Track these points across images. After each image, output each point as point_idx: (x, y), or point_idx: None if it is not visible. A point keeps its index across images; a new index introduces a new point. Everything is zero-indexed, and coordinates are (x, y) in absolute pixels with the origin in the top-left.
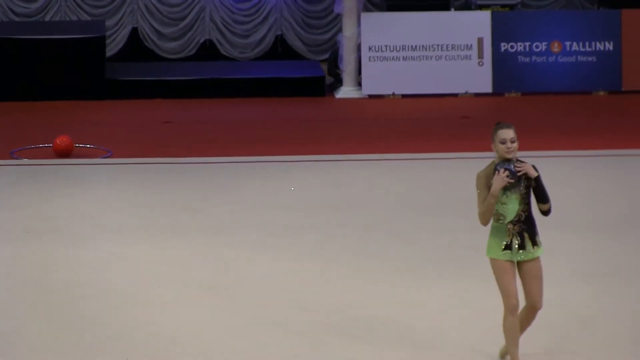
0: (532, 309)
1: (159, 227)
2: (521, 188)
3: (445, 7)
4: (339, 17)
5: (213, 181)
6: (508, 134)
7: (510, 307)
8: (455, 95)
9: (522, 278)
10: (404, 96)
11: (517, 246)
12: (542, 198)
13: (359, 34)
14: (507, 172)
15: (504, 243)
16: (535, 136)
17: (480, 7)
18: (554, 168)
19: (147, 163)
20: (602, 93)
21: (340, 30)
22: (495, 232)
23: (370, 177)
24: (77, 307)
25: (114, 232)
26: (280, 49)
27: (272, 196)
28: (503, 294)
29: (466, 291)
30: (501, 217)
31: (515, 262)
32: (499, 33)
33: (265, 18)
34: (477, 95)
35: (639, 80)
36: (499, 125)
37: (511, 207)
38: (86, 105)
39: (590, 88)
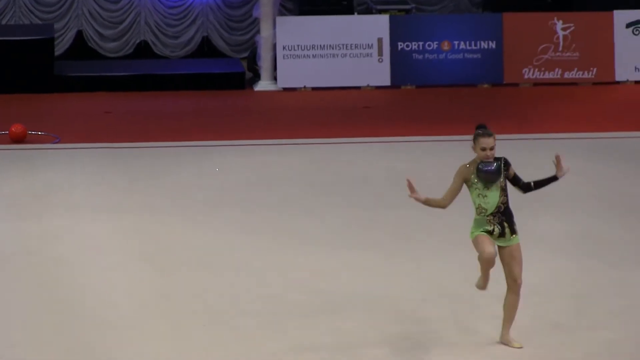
0: (513, 285)
1: (101, 205)
2: (501, 180)
3: (349, 11)
4: (257, 20)
5: (149, 164)
6: (489, 143)
7: (486, 261)
8: (358, 88)
9: (503, 260)
10: (314, 89)
11: (497, 233)
12: (518, 184)
13: (274, 35)
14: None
15: (488, 230)
16: (427, 123)
17: (380, 12)
18: (442, 152)
19: (91, 148)
20: (486, 85)
21: (258, 31)
22: (477, 223)
23: (284, 159)
24: (26, 274)
25: (62, 208)
26: (206, 48)
27: (200, 177)
28: (479, 249)
29: (367, 259)
30: (483, 211)
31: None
32: (396, 34)
33: (193, 21)
34: (377, 88)
35: (517, 74)
36: (483, 132)
37: (492, 200)
38: (38, 97)
39: (476, 81)
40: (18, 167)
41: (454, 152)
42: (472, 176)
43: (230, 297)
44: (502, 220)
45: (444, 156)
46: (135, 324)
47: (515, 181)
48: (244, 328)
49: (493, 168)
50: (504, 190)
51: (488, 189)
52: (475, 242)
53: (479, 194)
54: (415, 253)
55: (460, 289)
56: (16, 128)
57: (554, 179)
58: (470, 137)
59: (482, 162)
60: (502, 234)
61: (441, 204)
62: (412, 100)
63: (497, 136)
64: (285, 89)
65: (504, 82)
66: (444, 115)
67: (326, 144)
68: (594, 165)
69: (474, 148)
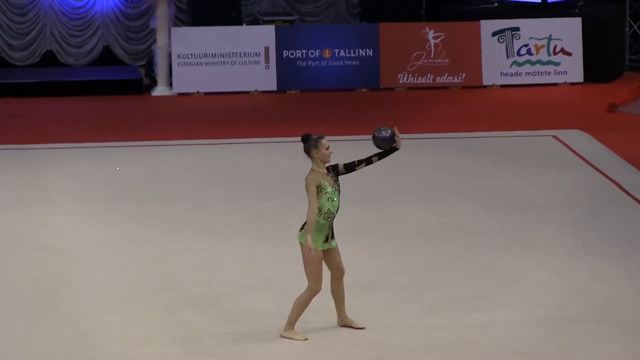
0: (341, 275)
1: (9, 200)
2: (337, 182)
3: (238, 22)
4: (153, 31)
5: (52, 163)
6: (327, 143)
7: (316, 291)
8: (247, 92)
9: (330, 260)
10: (206, 94)
11: (330, 237)
12: (360, 162)
13: (169, 44)
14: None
15: (325, 236)
16: (309, 125)
17: (267, 22)
18: None
19: (0, 149)
20: (364, 90)
21: (154, 41)
22: (320, 227)
23: (179, 158)
24: None
25: None
26: (106, 57)
27: (100, 174)
28: (314, 280)
29: (254, 247)
30: (331, 215)
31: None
32: (281, 43)
33: (95, 32)
34: (265, 92)
35: (393, 79)
36: (318, 136)
37: (337, 203)
38: None
39: (355, 86)
40: None
41: (335, 151)
42: (322, 181)
43: (125, 286)
44: (332, 225)
45: None
46: (36, 309)
47: (350, 168)
48: (137, 315)
49: (388, 134)
50: (339, 193)
51: (333, 191)
52: (313, 262)
53: (329, 197)
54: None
55: None
56: None
57: (394, 149)
58: (351, 137)
59: (377, 129)
60: (332, 236)
61: (315, 218)
62: (296, 103)
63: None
64: (180, 94)
65: (381, 87)
66: (326, 117)
67: (218, 144)
68: (460, 162)
69: (317, 152)
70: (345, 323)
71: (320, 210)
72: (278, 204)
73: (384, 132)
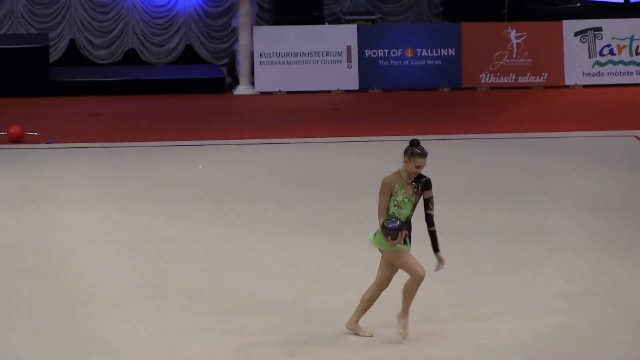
0: (385, 287)
1: (91, 198)
2: (416, 198)
3: (320, 21)
4: (235, 29)
5: (133, 161)
6: (423, 163)
7: (421, 276)
8: (329, 91)
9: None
10: (288, 92)
11: (401, 244)
12: (429, 220)
13: (252, 43)
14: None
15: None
16: (392, 124)
17: (349, 22)
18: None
19: (83, 147)
20: (446, 89)
21: (237, 40)
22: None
23: (260, 156)
24: (22, 262)
25: (53, 202)
26: (188, 56)
27: (183, 173)
28: (411, 268)
29: (334, 247)
30: None
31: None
32: (363, 42)
33: (177, 31)
34: (347, 91)
35: (475, 78)
36: (421, 152)
37: (404, 212)
38: (34, 101)
39: (437, 85)
40: (16, 165)
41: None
42: (396, 187)
43: (207, 285)
44: (407, 231)
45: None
46: (119, 307)
47: (426, 205)
48: (219, 314)
49: (397, 225)
50: (414, 207)
51: (404, 202)
52: (399, 256)
53: (396, 205)
54: None
55: None
56: (14, 129)
57: (435, 250)
58: (431, 136)
59: (388, 219)
60: (405, 242)
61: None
62: (378, 103)
63: (455, 136)
64: (262, 93)
65: (463, 86)
66: (407, 116)
67: (299, 143)
68: (541, 162)
69: (407, 162)
70: (352, 328)
71: (387, 211)
72: (359, 203)
73: (392, 224)
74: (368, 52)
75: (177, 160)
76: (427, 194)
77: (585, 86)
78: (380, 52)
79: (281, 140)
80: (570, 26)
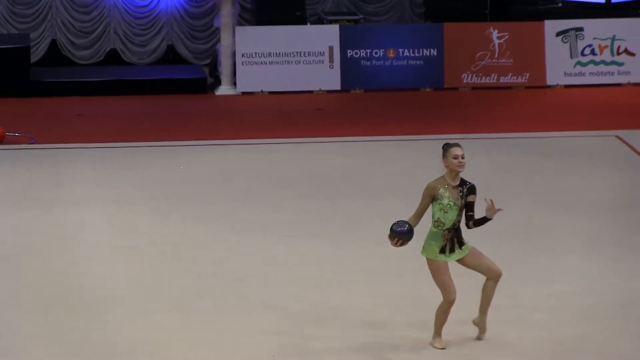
0: (496, 278)
1: (77, 198)
2: (461, 202)
3: (302, 21)
4: (217, 30)
5: (116, 161)
6: (459, 151)
7: (450, 302)
8: (311, 92)
9: (471, 266)
10: (270, 93)
11: (449, 250)
12: (469, 218)
13: (234, 44)
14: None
15: (440, 246)
16: (374, 124)
17: (331, 22)
18: (388, 150)
19: (65, 148)
20: (428, 89)
21: (218, 40)
22: (433, 236)
23: (242, 157)
24: (2, 262)
25: (38, 202)
26: (170, 56)
27: (164, 174)
28: (443, 289)
29: (319, 249)
30: (441, 224)
31: (451, 262)
32: (345, 42)
33: (159, 31)
34: (329, 91)
35: (457, 78)
36: (452, 142)
37: (450, 216)
38: (15, 101)
39: (419, 85)
40: None
41: (400, 151)
42: (440, 191)
43: (194, 284)
44: (453, 236)
45: (390, 154)
46: (103, 308)
47: (467, 210)
48: (205, 313)
49: (405, 229)
50: (461, 210)
51: (450, 206)
52: (437, 272)
53: (442, 209)
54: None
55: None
56: None
57: (486, 219)
58: (413, 137)
59: (396, 222)
60: (452, 250)
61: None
62: (360, 103)
63: (438, 136)
64: (244, 93)
65: (445, 86)
66: (389, 116)
67: (281, 143)
68: (523, 162)
69: (445, 161)
70: (477, 324)
71: (433, 216)
72: (343, 203)
73: (401, 227)
74: (350, 52)
75: (160, 161)
76: (471, 197)
77: (566, 86)
78: (363, 52)
79: (264, 140)
80: (552, 26)
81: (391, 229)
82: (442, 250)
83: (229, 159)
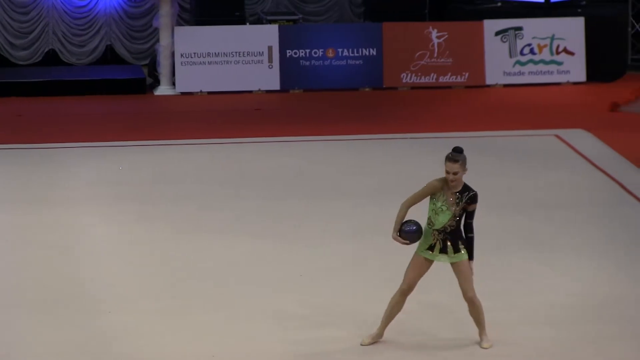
0: (468, 301)
1: (23, 200)
2: (456, 208)
3: (241, 22)
4: (156, 30)
5: (54, 162)
6: (452, 168)
7: (402, 291)
8: (250, 92)
9: (456, 276)
10: (209, 93)
11: (438, 250)
12: (468, 228)
13: (173, 44)
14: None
15: (429, 244)
16: (314, 124)
17: (270, 22)
18: (328, 150)
19: (4, 149)
20: (367, 89)
21: (157, 40)
22: (425, 232)
23: (182, 157)
24: None
25: None
26: (109, 56)
27: (105, 174)
28: (404, 278)
29: (262, 248)
30: (430, 223)
31: (434, 261)
32: (285, 42)
33: (98, 31)
34: (268, 91)
35: (396, 78)
36: (451, 156)
37: (441, 219)
38: None
39: (358, 85)
40: None
41: (338, 150)
42: (438, 192)
43: (140, 284)
44: (446, 238)
45: (329, 153)
46: (39, 310)
47: (467, 217)
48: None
49: (414, 229)
50: (455, 217)
51: (442, 209)
52: (410, 263)
53: (434, 209)
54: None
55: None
56: None
57: (470, 257)
58: (353, 136)
59: (405, 222)
60: (443, 250)
61: (402, 209)
62: (299, 103)
63: (377, 136)
64: (183, 93)
65: (384, 86)
66: (329, 116)
67: (221, 143)
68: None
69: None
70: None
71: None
72: (284, 203)
73: (410, 227)
74: (289, 52)
75: (99, 161)
76: (471, 207)
77: (506, 85)
78: (302, 52)
79: (203, 140)
80: (491, 26)
81: (401, 229)
82: (431, 248)
83: (169, 159)
